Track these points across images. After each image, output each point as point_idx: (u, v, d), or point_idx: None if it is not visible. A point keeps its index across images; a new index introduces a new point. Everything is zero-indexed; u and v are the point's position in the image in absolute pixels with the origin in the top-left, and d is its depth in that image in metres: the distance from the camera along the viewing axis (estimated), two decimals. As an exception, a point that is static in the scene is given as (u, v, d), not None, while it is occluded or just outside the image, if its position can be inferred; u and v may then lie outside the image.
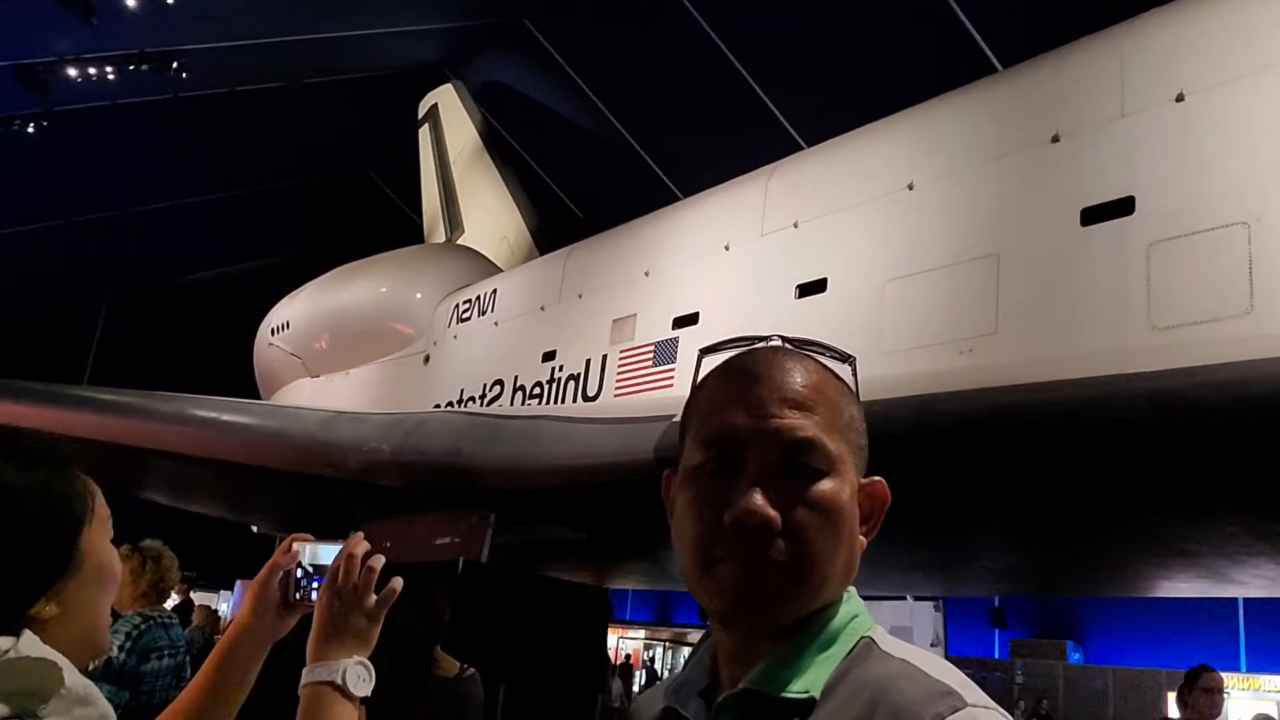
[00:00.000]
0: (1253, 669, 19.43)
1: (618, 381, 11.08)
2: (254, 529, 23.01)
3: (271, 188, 25.75)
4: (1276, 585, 9.53)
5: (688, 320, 10.43)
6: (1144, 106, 7.08)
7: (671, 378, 10.36)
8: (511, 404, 12.78)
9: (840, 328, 8.76)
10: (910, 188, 8.57)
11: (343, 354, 16.62)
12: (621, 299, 11.51)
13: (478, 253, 16.97)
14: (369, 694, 1.20)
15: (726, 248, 10.37)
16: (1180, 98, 6.85)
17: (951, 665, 0.92)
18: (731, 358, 1.02)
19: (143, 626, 4.75)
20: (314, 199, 27.44)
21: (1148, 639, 20.88)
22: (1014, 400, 7.16)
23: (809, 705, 0.89)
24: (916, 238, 8.40)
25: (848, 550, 0.95)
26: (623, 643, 27.29)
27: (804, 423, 0.94)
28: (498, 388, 13.15)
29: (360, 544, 1.27)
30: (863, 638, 0.95)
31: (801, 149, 12.66)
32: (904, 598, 16.53)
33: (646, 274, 11.32)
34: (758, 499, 0.91)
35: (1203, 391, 6.09)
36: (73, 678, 0.95)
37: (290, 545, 1.30)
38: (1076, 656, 22.39)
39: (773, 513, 0.91)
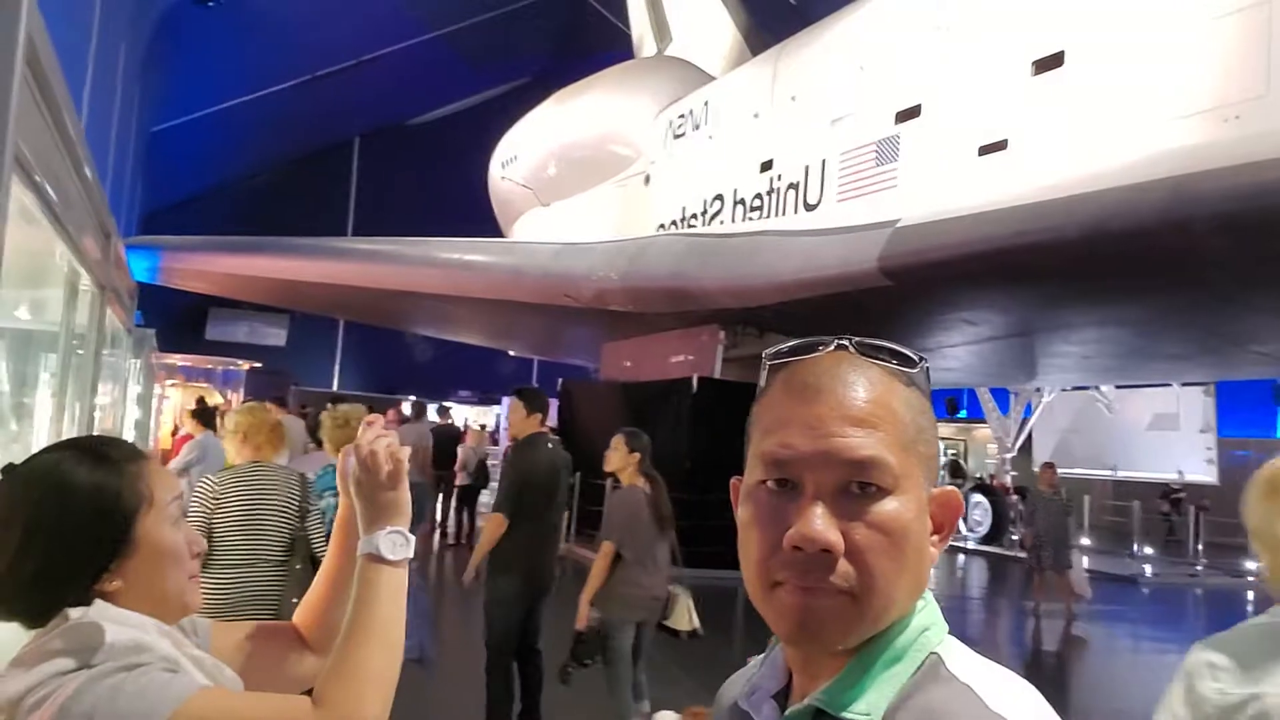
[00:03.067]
0: None
1: (840, 187, 10.64)
2: (510, 352, 24.80)
3: (486, 18, 26.08)
4: None
5: (909, 114, 9.72)
6: None
7: (895, 177, 9.80)
8: (732, 219, 12.64)
9: (1083, 106, 7.88)
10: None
11: (569, 181, 16.97)
12: (837, 98, 10.87)
13: (687, 63, 16.48)
14: (410, 556, 1.33)
15: (942, 28, 9.46)
16: None
17: (1027, 688, 0.85)
18: (794, 367, 0.95)
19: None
20: (528, 23, 27.54)
21: None
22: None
23: None
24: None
25: (915, 569, 0.88)
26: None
27: (866, 441, 0.86)
28: (718, 203, 13.03)
29: (370, 437, 1.36)
30: (931, 654, 0.89)
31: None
32: (1169, 384, 15.45)
33: (861, 68, 10.58)
34: (818, 523, 0.85)
35: None
36: (117, 634, 1.12)
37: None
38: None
39: (834, 536, 0.85)
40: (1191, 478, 16.50)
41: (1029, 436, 18.23)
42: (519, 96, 22.52)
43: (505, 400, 24.81)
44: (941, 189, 8.93)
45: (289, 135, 27.12)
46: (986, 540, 17.64)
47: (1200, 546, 17.10)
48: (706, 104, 13.68)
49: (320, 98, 25.33)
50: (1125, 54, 7.66)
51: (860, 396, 0.88)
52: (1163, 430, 16.28)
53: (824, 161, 10.91)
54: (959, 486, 20.25)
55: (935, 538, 0.90)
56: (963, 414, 27.06)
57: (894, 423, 0.87)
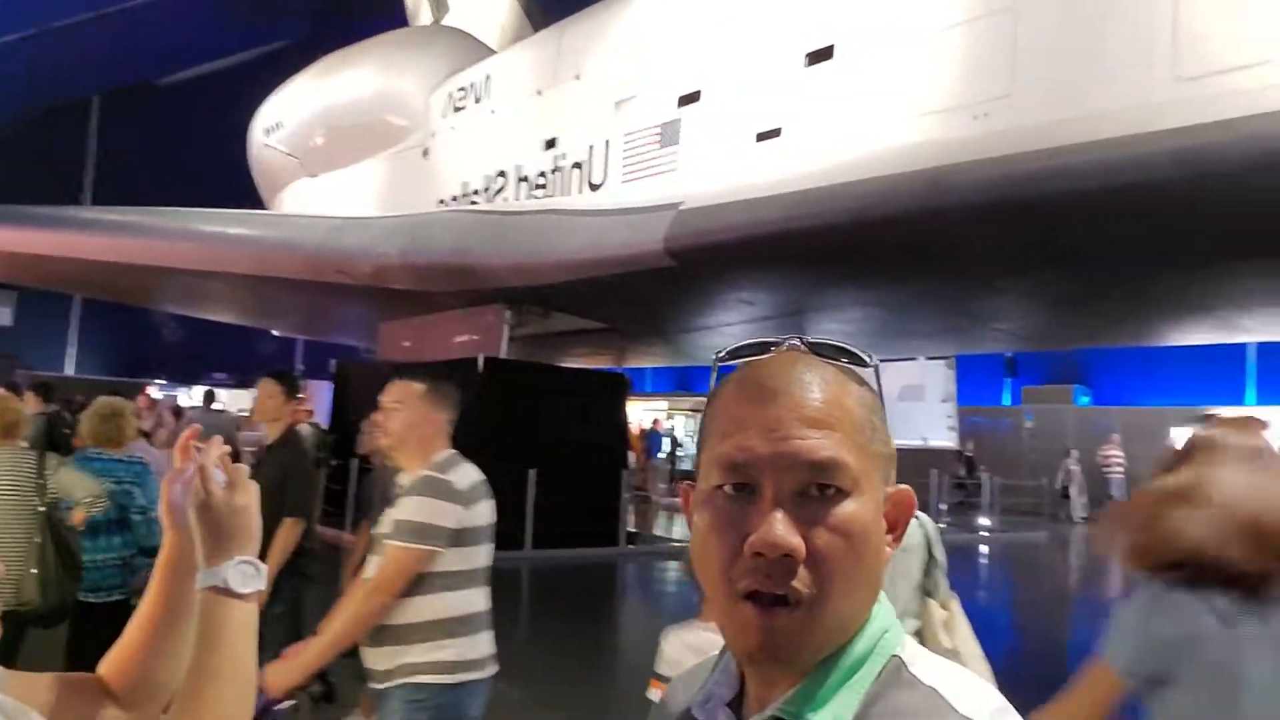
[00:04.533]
0: (1263, 402, 19.92)
1: (624, 167, 10.76)
2: (274, 332, 23.44)
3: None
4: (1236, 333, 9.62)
5: (690, 99, 9.97)
6: None
7: (677, 160, 10.02)
8: (515, 197, 12.52)
9: (851, 98, 8.36)
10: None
11: (340, 151, 16.19)
12: (621, 79, 10.97)
13: (466, 34, 16.11)
14: (261, 588, 1.21)
15: (722, 16, 9.76)
16: None
17: (985, 687, 0.87)
18: (747, 369, 0.92)
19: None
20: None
21: (1157, 380, 21.33)
22: (1030, 169, 6.92)
23: None
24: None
25: (873, 571, 0.88)
26: (645, 414, 28.20)
27: (825, 443, 0.85)
28: (501, 179, 12.85)
29: (213, 457, 1.24)
30: (893, 657, 0.90)
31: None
32: (915, 359, 16.83)
33: (646, 49, 10.73)
34: (779, 528, 0.83)
35: (1239, 146, 5.82)
36: None
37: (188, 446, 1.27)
38: (1085, 400, 23.02)
39: (796, 541, 0.83)
40: (935, 443, 18.05)
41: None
42: (281, 59, 21.19)
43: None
44: (723, 173, 9.23)
45: (14, 93, 24.27)
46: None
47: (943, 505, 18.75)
48: (489, 78, 13.43)
49: (52, 52, 22.80)
50: (888, 51, 8.18)
51: (817, 397, 0.86)
52: (911, 401, 17.67)
53: (608, 142, 10.99)
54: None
55: (889, 537, 0.90)
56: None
57: (850, 423, 0.86)
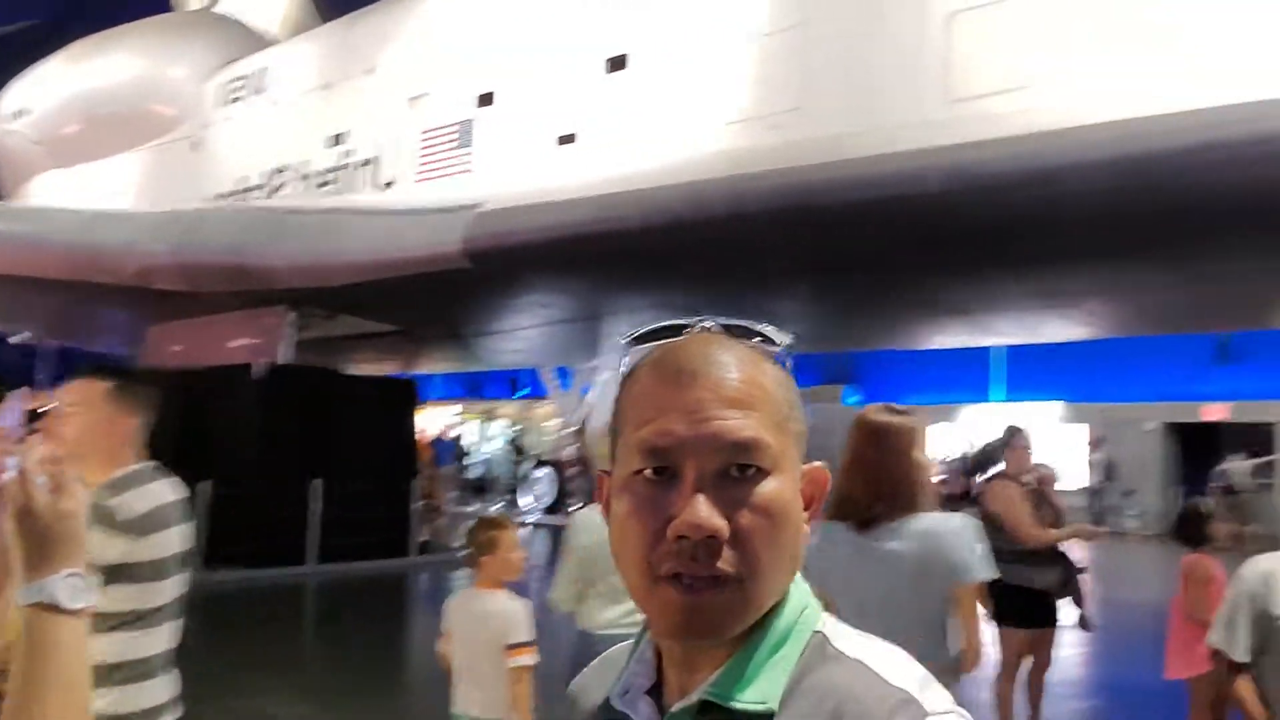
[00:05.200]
0: (1011, 398, 22.06)
1: (419, 167, 10.47)
2: (11, 339, 21.15)
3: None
4: (1033, 332, 10.61)
5: (488, 100, 9.85)
6: None
7: (476, 161, 9.87)
8: (298, 194, 11.91)
9: (648, 106, 8.53)
10: (716, -47, 8.17)
11: (98, 141, 14.82)
12: (417, 76, 10.68)
13: (240, 22, 15.19)
14: (92, 602, 1.12)
15: (522, 17, 9.72)
16: None
17: (906, 658, 0.88)
18: (662, 352, 0.89)
19: None
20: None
21: (924, 379, 23.14)
22: (817, 178, 7.31)
23: (768, 717, 0.84)
24: (724, 6, 8.13)
25: (793, 548, 0.88)
26: (435, 420, 27.59)
27: (746, 422, 0.83)
28: (281, 176, 12.18)
29: (35, 459, 1.11)
30: (815, 633, 0.90)
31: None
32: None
33: (445, 47, 10.50)
34: (703, 509, 0.81)
35: (999, 165, 6.38)
36: None
37: None
38: (854, 399, 24.62)
39: (719, 522, 0.81)
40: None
41: (588, 412, 19.47)
42: (29, 40, 19.18)
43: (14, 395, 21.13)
44: (522, 175, 9.18)
45: None
46: (550, 511, 18.61)
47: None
48: (270, 69, 12.71)
49: None
50: (684, 61, 8.41)
51: (735, 377, 0.85)
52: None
53: (401, 140, 10.67)
54: (518, 463, 20.95)
55: (805, 514, 0.91)
56: (524, 392, 28.09)
57: (768, 402, 0.86)
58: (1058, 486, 5.22)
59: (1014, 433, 5.34)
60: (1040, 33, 6.43)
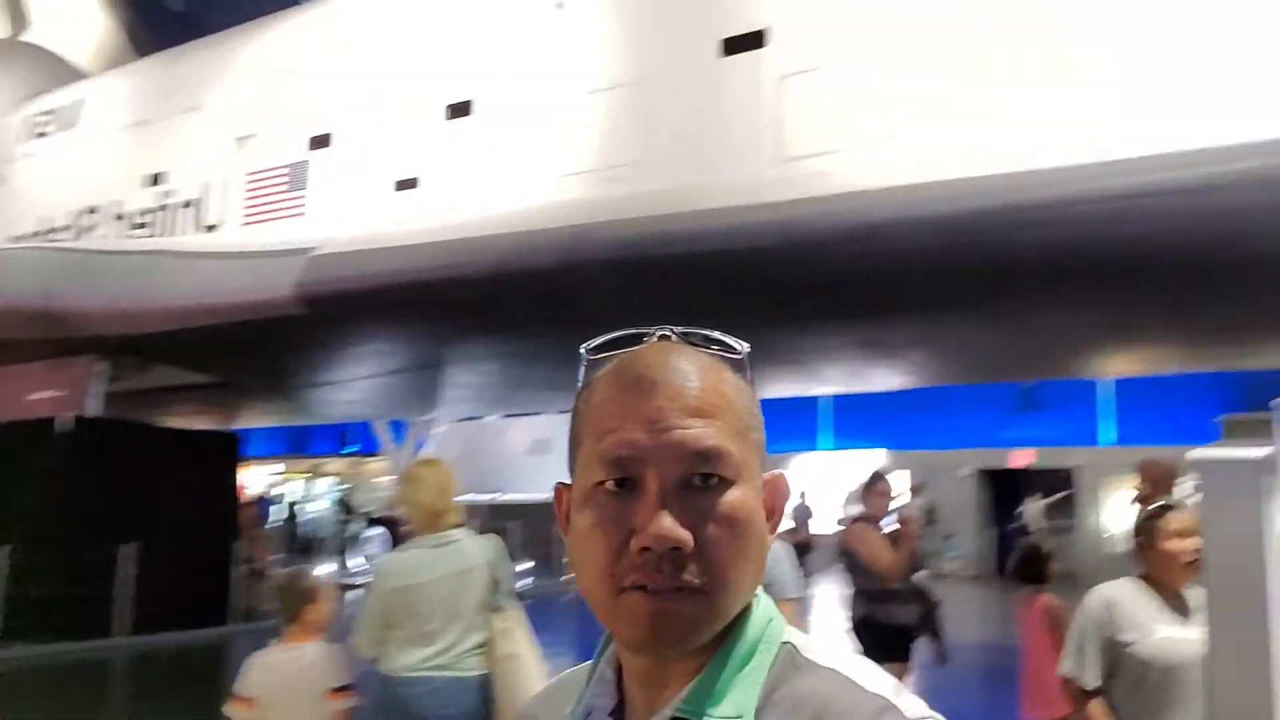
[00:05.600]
0: (839, 447, 22.93)
1: (246, 209, 10.03)
2: None
3: None
4: (860, 381, 11.11)
5: (322, 142, 9.59)
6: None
7: (309, 203, 9.55)
8: (111, 235, 11.19)
9: (491, 153, 8.51)
10: (559, 6, 8.29)
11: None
12: (245, 115, 10.28)
13: (48, 52, 14.26)
14: None
15: (361, 60, 9.55)
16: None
17: (875, 666, 0.88)
18: (621, 361, 0.88)
19: None
20: None
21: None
22: (655, 231, 7.47)
23: None
24: (565, 59, 8.24)
25: (757, 559, 0.87)
26: (257, 478, 26.21)
27: (708, 431, 0.83)
28: (92, 216, 11.42)
29: None
30: (784, 644, 0.88)
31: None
32: (540, 413, 17.30)
33: (276, 86, 10.16)
34: (667, 521, 0.80)
35: (826, 220, 6.69)
36: None
37: None
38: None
39: (684, 533, 0.81)
40: (565, 496, 18.55)
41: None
42: None
43: None
44: (360, 220, 8.95)
45: None
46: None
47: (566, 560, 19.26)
48: (81, 103, 11.96)
49: None
50: (527, 111, 8.45)
51: (696, 386, 0.85)
52: (540, 455, 18.10)
53: (228, 181, 10.22)
54: (347, 522, 20.11)
55: (768, 523, 0.90)
56: (354, 448, 27.15)
57: (729, 410, 0.85)
58: (892, 529, 5.44)
59: (876, 477, 5.58)
60: (866, 97, 6.82)
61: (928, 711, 0.82)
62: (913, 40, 6.79)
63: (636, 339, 0.91)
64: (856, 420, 22.21)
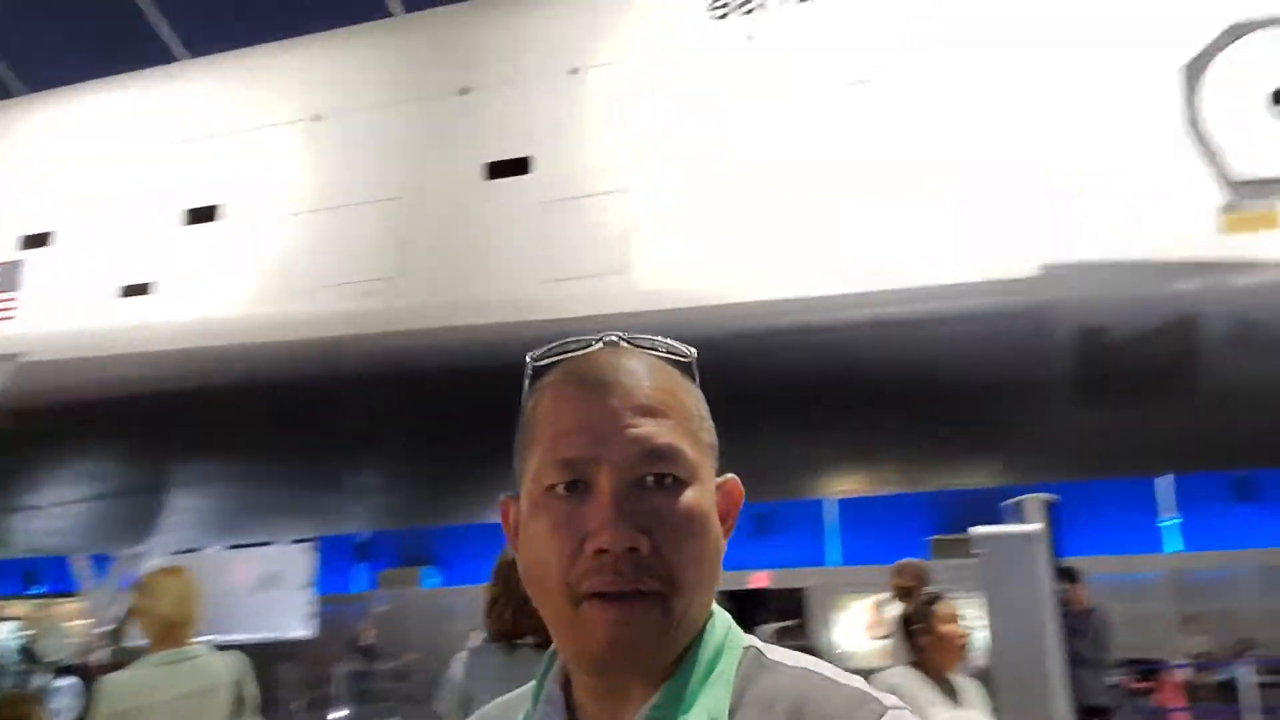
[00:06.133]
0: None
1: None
2: None
3: None
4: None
5: (38, 241, 8.76)
6: (544, 74, 7.64)
7: (18, 306, 8.63)
8: None
9: (234, 260, 8.10)
10: (318, 119, 8.19)
11: None
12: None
13: None
14: None
15: (96, 159, 8.90)
16: (575, 71, 7.53)
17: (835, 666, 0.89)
18: (570, 365, 0.88)
19: None
20: None
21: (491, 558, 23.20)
22: (412, 345, 7.35)
23: None
24: (322, 173, 8.09)
25: (714, 563, 0.86)
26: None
27: (661, 429, 0.84)
28: None
29: None
30: (747, 648, 0.87)
31: (183, 58, 11.38)
32: (270, 543, 16.16)
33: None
34: (622, 522, 0.78)
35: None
36: None
37: None
38: (434, 581, 24.03)
39: (639, 534, 0.78)
40: (292, 634, 17.23)
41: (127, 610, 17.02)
42: None
43: None
44: (80, 326, 8.17)
45: None
46: (74, 729, 15.70)
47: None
48: None
49: None
50: (274, 220, 8.16)
51: (648, 385, 0.85)
52: (268, 590, 16.82)
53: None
54: (28, 673, 17.74)
55: (721, 528, 0.89)
56: (42, 589, 24.08)
57: (682, 410, 0.86)
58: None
59: None
60: (618, 227, 7.16)
61: (897, 701, 0.84)
62: (667, 174, 7.23)
63: (585, 344, 0.92)
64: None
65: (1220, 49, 6.27)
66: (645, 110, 7.29)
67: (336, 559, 23.10)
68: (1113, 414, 6.66)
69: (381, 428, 8.34)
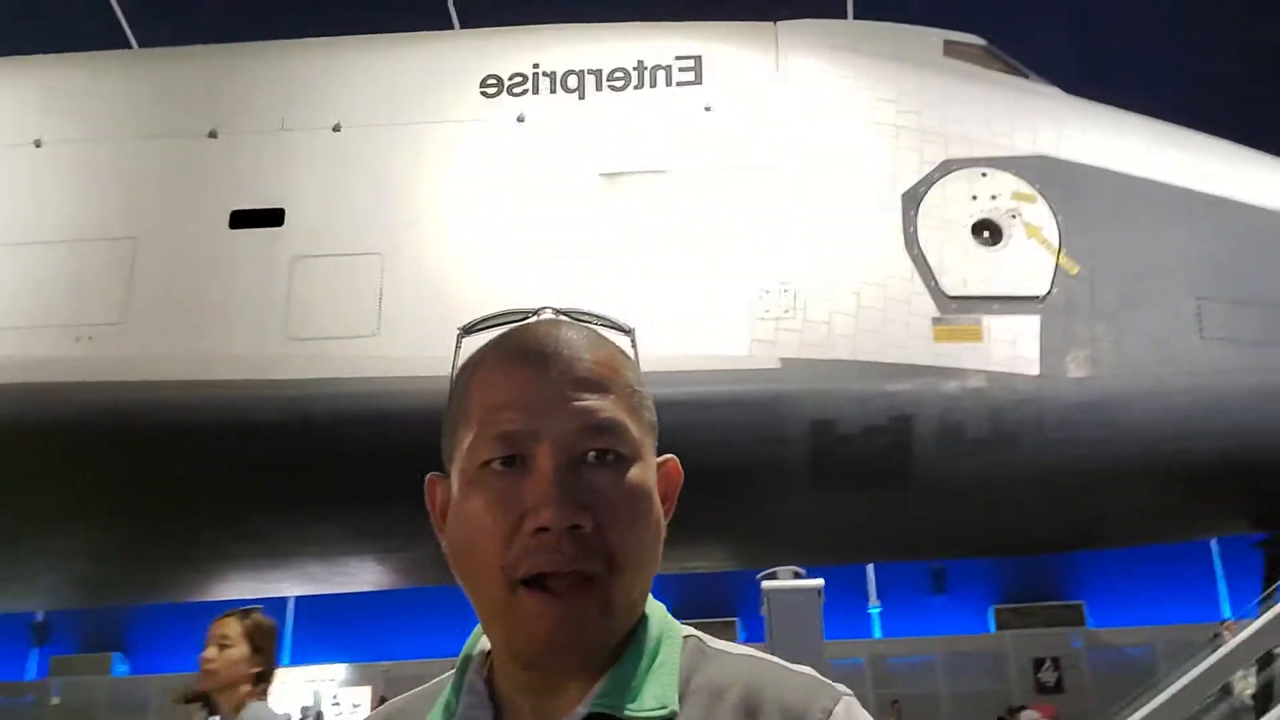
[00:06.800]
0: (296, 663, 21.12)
1: None
2: None
3: None
4: (341, 580, 10.54)
5: None
6: (304, 126, 7.36)
7: None
8: None
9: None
10: (38, 145, 7.43)
11: None
12: None
13: None
14: None
15: None
16: (338, 128, 7.31)
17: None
18: (507, 336, 0.81)
19: None
20: None
21: (198, 642, 21.05)
22: (136, 398, 6.71)
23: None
24: (42, 203, 7.32)
25: (655, 544, 0.81)
26: None
27: (603, 404, 0.79)
28: None
29: None
30: (687, 638, 0.81)
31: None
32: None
33: None
34: (564, 500, 0.71)
35: (335, 402, 6.52)
36: None
37: None
38: (123, 669, 21.45)
39: (581, 511, 0.72)
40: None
41: None
42: None
43: None
44: None
45: None
46: None
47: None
48: None
49: None
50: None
51: (589, 359, 0.81)
52: None
53: None
54: None
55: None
56: None
57: (622, 385, 0.82)
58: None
59: None
60: (380, 286, 6.94)
61: (850, 691, 0.83)
62: (424, 240, 7.09)
63: (521, 316, 0.86)
64: (317, 633, 20.83)
65: (933, 181, 7.10)
66: (408, 175, 7.18)
67: (6, 642, 20.32)
68: (838, 503, 7.11)
69: (81, 488, 7.45)
